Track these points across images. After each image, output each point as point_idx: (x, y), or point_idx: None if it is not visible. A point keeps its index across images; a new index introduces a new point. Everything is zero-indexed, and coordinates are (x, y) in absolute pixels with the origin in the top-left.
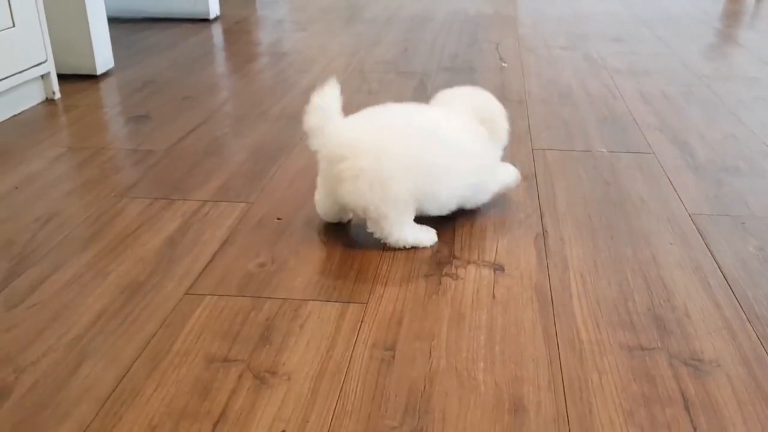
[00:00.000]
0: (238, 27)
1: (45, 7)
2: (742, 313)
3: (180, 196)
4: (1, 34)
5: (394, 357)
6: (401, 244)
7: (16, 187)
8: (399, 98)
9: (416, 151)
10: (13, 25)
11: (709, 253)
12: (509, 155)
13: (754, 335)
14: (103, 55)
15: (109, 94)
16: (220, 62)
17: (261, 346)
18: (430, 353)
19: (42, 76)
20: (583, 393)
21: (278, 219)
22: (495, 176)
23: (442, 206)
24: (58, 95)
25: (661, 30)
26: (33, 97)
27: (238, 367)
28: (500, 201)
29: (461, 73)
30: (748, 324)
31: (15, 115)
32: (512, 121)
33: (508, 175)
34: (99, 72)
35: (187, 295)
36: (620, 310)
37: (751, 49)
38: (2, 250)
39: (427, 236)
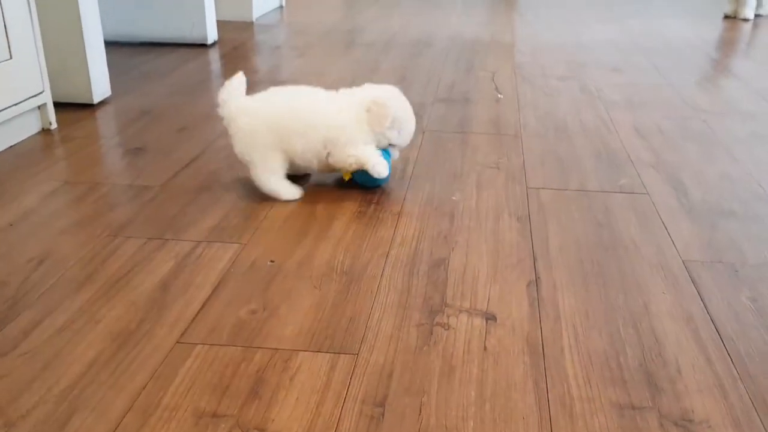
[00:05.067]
0: (236, 53)
1: (42, 36)
2: (734, 369)
3: (173, 235)
4: None
5: (383, 414)
6: (264, 189)
7: (11, 224)
8: None
9: (279, 114)
10: (11, 57)
11: (701, 303)
12: (505, 194)
13: (746, 395)
14: (100, 85)
15: (105, 124)
16: (217, 90)
17: (251, 400)
18: (420, 410)
19: (39, 107)
20: None
21: (271, 261)
22: (355, 150)
23: (304, 160)
24: (54, 125)
25: (659, 58)
26: (29, 127)
27: (227, 423)
28: (495, 243)
29: (456, 105)
30: (739, 382)
31: (11, 146)
32: (507, 157)
33: (370, 158)
34: (96, 101)
35: (178, 344)
36: (612, 364)
37: (747, 81)
38: None
39: (289, 191)
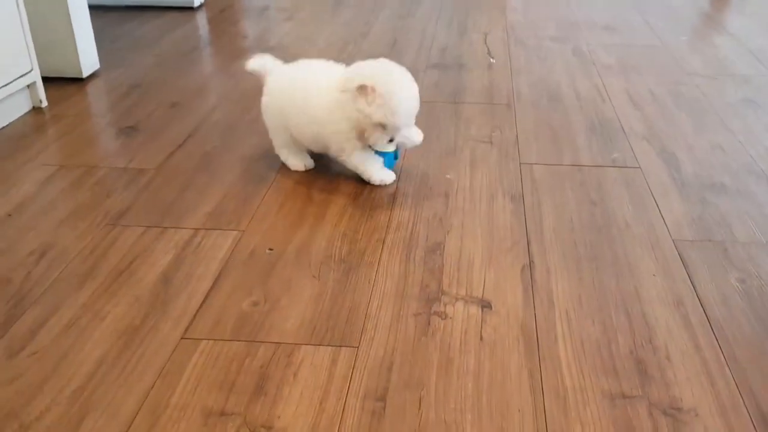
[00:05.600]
0: (223, 16)
1: (26, 12)
2: (721, 355)
3: (172, 223)
4: None
5: (384, 409)
6: (281, 158)
7: (9, 215)
8: None
9: (283, 96)
10: None
11: (690, 286)
12: (498, 171)
13: (732, 382)
14: (88, 57)
15: (96, 100)
16: (207, 59)
17: (256, 397)
18: (420, 404)
19: (28, 86)
20: None
21: (270, 250)
22: (349, 159)
23: (302, 138)
24: (45, 103)
25: (652, 14)
26: (20, 107)
27: (235, 422)
28: (489, 226)
29: (449, 71)
30: (726, 368)
31: (2, 128)
32: (500, 129)
33: (367, 170)
34: (85, 75)
35: (183, 340)
36: (603, 353)
37: (740, 39)
38: (0, 289)
39: (293, 163)
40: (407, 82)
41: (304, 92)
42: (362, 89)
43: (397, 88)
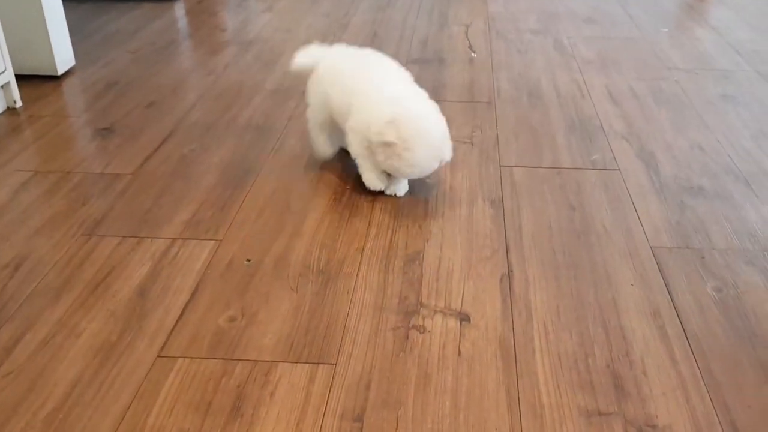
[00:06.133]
0: (201, 7)
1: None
2: (697, 368)
3: (149, 232)
4: None
5: (362, 430)
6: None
7: None
8: None
9: (320, 90)
10: None
11: (668, 296)
12: (479, 174)
13: (707, 396)
14: (63, 54)
15: (72, 99)
16: (185, 54)
17: (233, 419)
18: (397, 424)
19: (2, 86)
20: None
21: (248, 261)
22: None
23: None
24: (19, 104)
25: (633, 6)
26: None
27: None
28: (468, 233)
29: (430, 66)
30: (701, 382)
31: None
32: (481, 129)
33: (362, 170)
34: (60, 72)
35: (159, 358)
36: (581, 367)
37: (721, 32)
38: None
39: (317, 147)
40: (431, 140)
41: (352, 83)
42: (387, 146)
43: (418, 145)
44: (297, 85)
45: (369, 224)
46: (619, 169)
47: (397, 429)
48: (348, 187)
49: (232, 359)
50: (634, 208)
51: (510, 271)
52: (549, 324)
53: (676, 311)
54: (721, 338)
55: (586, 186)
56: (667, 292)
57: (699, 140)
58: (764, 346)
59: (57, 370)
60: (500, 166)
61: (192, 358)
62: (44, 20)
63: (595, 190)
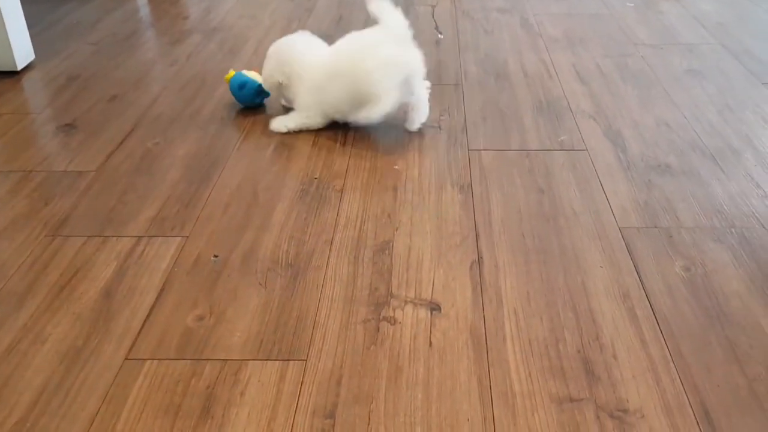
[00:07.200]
0: None
1: None
2: (666, 350)
3: (114, 231)
4: None
5: (334, 427)
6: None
7: None
8: None
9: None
10: None
11: (636, 277)
12: (447, 159)
13: (677, 378)
14: (22, 49)
15: (32, 95)
16: (148, 44)
17: (203, 421)
18: (369, 419)
19: None
20: None
21: (215, 257)
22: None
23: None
24: None
25: None
26: None
27: None
28: (438, 220)
29: None
30: (671, 364)
31: None
32: (449, 113)
33: None
34: (20, 67)
35: (127, 360)
36: (551, 353)
37: (686, 4)
38: None
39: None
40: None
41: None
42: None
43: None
44: None
45: (338, 215)
46: (586, 149)
47: (369, 424)
48: (316, 177)
49: (201, 359)
50: (602, 188)
51: (480, 258)
52: (519, 310)
53: (645, 293)
54: (690, 318)
55: (555, 168)
56: (636, 273)
57: (665, 117)
58: (732, 324)
59: (22, 378)
60: (468, 150)
61: (160, 359)
62: (0, 14)
63: (564, 171)
